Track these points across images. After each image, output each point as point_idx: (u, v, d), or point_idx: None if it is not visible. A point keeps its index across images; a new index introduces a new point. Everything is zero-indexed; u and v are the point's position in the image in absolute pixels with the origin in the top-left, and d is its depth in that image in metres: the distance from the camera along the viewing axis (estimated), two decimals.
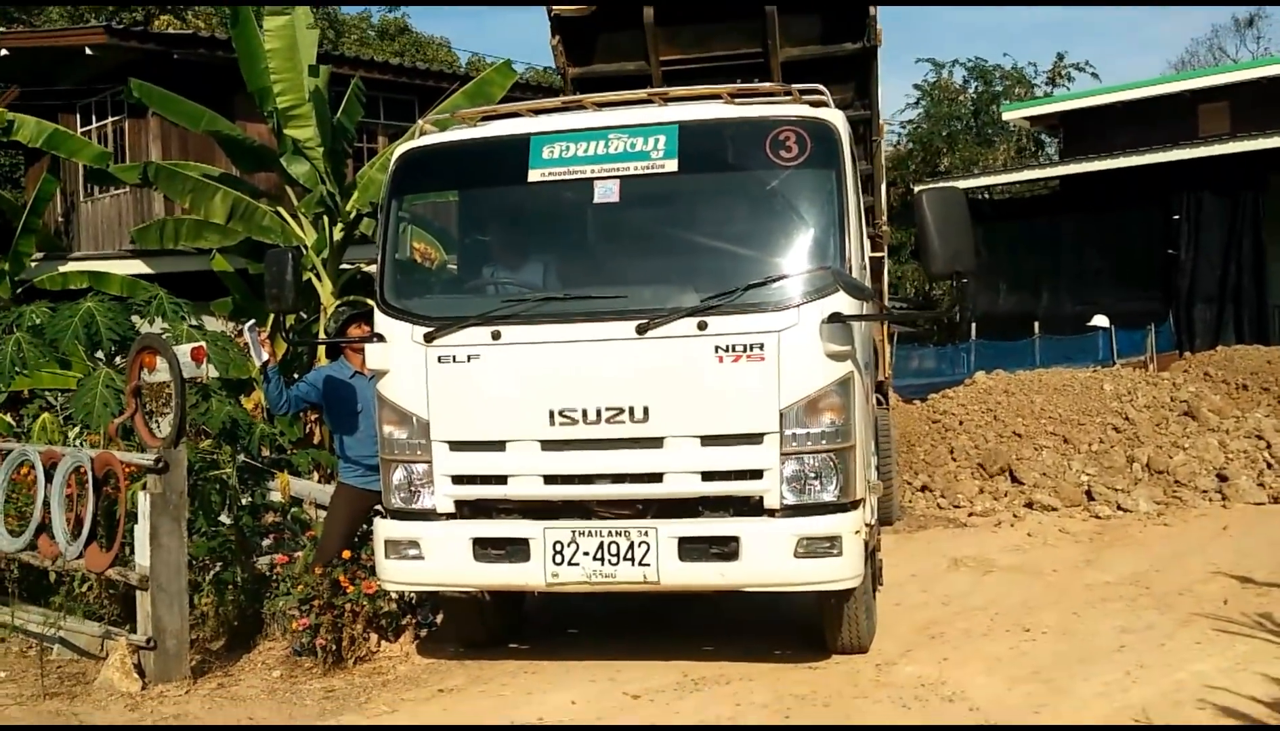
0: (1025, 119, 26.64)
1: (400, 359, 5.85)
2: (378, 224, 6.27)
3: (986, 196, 26.57)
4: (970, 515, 10.84)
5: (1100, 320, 19.00)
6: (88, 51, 16.73)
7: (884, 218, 10.58)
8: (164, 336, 8.97)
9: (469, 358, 5.73)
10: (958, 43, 79.08)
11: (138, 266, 15.27)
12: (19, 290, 13.17)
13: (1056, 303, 21.44)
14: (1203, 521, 10.24)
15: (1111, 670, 5.94)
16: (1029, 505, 10.95)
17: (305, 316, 13.21)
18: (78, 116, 18.80)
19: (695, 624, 7.13)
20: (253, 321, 7.04)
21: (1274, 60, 26.43)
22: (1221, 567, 8.26)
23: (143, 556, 6.14)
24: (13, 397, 10.29)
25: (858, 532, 5.56)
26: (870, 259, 10.24)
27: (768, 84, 6.32)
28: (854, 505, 5.59)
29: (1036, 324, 19.78)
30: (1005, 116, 27.22)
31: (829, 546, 5.48)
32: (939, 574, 8.50)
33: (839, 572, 5.52)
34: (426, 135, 6.38)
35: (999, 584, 8.14)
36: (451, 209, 6.92)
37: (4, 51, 17.81)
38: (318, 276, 12.94)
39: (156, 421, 7.43)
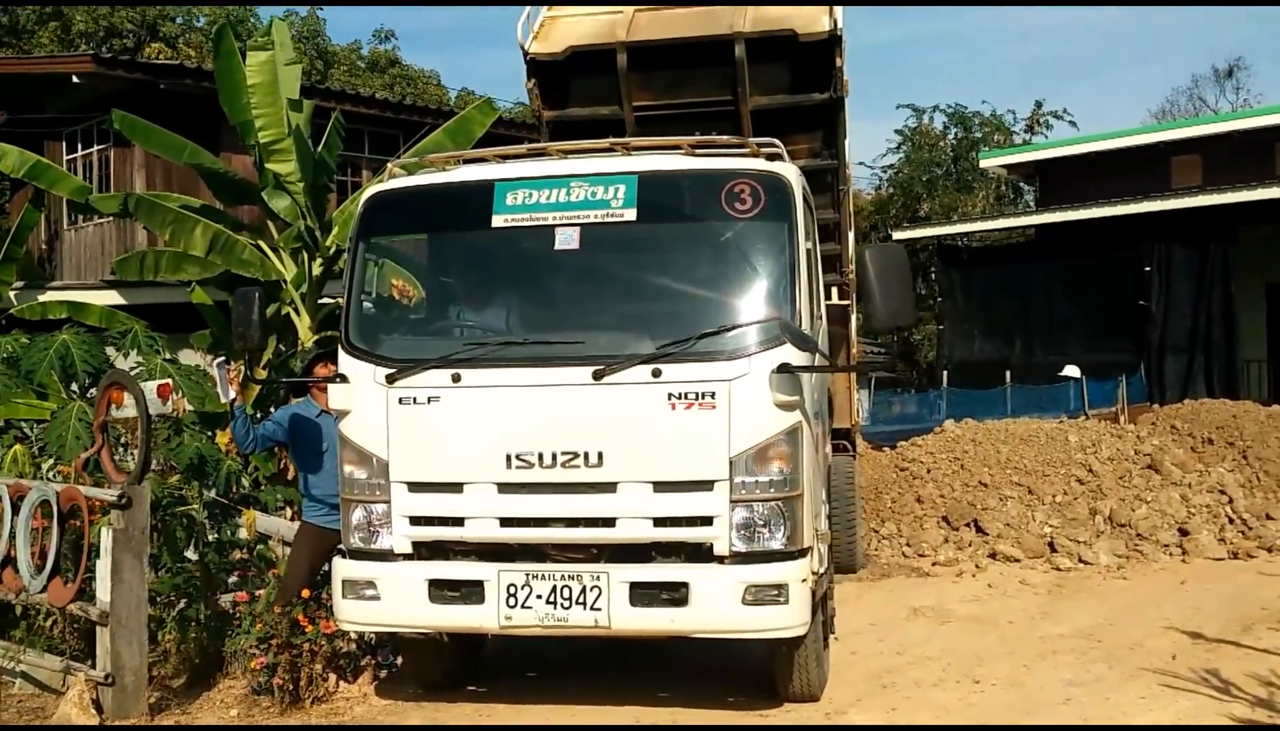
0: (1002, 167, 26.95)
1: (362, 399, 5.95)
2: (345, 264, 6.38)
3: (965, 243, 26.88)
4: (934, 564, 10.94)
5: (1071, 370, 19.19)
6: (75, 80, 16.91)
7: (851, 265, 10.72)
8: (137, 370, 9.08)
9: (429, 399, 5.84)
10: (940, 88, 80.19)
11: (117, 297, 15.34)
12: None
13: (1029, 352, 21.64)
14: (1161, 575, 10.35)
15: (1055, 723, 6.03)
16: (992, 555, 11.06)
17: (284, 350, 13.29)
18: (64, 144, 18.94)
19: (652, 669, 7.19)
20: (222, 359, 7.11)
21: (1246, 113, 26.87)
22: (1174, 623, 8.36)
23: (104, 592, 6.20)
24: None
25: (804, 581, 5.66)
26: (836, 306, 10.45)
27: (726, 137, 6.47)
28: (801, 553, 5.69)
29: (1008, 373, 19.96)
30: (983, 164, 27.52)
31: (776, 594, 5.58)
32: (897, 623, 8.59)
33: (786, 620, 5.62)
34: (395, 178, 6.52)
35: (955, 634, 8.23)
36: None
37: None
38: (296, 311, 13.02)
39: (132, 453, 7.49)
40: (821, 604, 6.38)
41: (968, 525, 11.72)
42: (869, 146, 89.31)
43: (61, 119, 18.53)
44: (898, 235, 25.06)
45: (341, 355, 6.12)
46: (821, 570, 6.13)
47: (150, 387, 6.61)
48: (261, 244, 13.47)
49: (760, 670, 6.56)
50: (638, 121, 9.52)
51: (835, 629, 7.12)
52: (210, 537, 7.95)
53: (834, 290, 10.53)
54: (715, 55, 9.21)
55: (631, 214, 5.95)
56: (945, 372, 21.09)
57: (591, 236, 5.98)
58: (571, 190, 6.04)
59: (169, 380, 7.10)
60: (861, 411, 21.07)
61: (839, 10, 9.08)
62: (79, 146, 18.69)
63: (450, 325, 6.52)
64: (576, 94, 9.72)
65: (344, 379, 6.03)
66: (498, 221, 6.06)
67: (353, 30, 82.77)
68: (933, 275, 23.91)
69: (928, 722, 6.12)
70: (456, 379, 5.82)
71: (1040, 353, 21.36)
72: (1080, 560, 10.81)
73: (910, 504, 12.29)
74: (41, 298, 14.03)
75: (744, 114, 9.37)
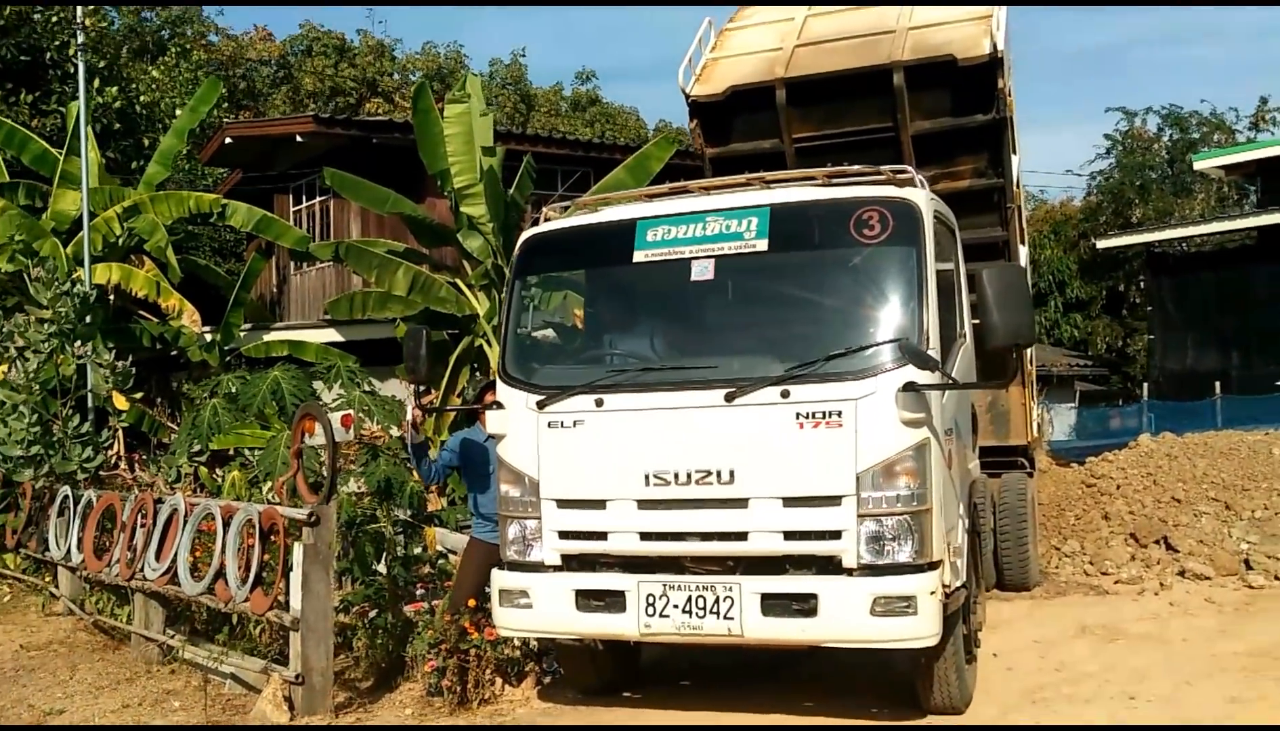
0: (1220, 167, 25.43)
1: (516, 423, 6.47)
2: (502, 301, 6.95)
3: (1182, 249, 25.61)
4: (1116, 583, 10.60)
5: None
6: (298, 138, 18.45)
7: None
8: (339, 401, 10.00)
9: (575, 423, 6.30)
10: (1154, 88, 76.47)
11: (337, 335, 16.60)
12: (228, 357, 14.65)
13: (1247, 362, 20.45)
14: None
15: None
16: (1181, 573, 10.63)
17: (482, 376, 14.20)
18: (290, 196, 20.69)
19: (801, 681, 7.40)
20: (410, 416, 7.77)
21: None
22: None
23: (295, 600, 6.93)
24: (221, 454, 11.61)
25: (934, 593, 5.79)
26: None
27: (859, 166, 6.68)
28: (931, 566, 5.83)
29: (1218, 384, 18.96)
30: (1197, 166, 25.98)
31: (905, 605, 5.74)
32: (1063, 640, 8.46)
33: (915, 631, 5.76)
34: (549, 221, 7.06)
35: (1120, 651, 8.06)
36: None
37: (229, 140, 19.88)
38: (488, 343, 13.91)
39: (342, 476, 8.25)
40: (962, 617, 6.46)
41: (1157, 542, 11.31)
42: (1077, 151, 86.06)
43: (289, 174, 20.26)
44: (1101, 244, 24.18)
45: (499, 384, 6.67)
46: (957, 584, 6.23)
47: (336, 418, 7.33)
48: (458, 282, 14.46)
49: (904, 683, 6.69)
50: (798, 152, 9.77)
51: (980, 642, 7.13)
52: (399, 553, 8.67)
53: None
54: (874, 84, 9.38)
55: (763, 245, 6.26)
56: (1145, 385, 20.22)
57: (726, 267, 6.32)
58: (707, 224, 6.40)
59: (350, 412, 7.83)
60: (1054, 426, 20.44)
61: (1000, 33, 9.12)
62: (304, 198, 20.39)
63: (594, 353, 6.98)
64: (738, 130, 10.08)
65: (500, 406, 6.57)
66: (639, 257, 6.48)
67: (555, 73, 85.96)
68: (1141, 283, 22.95)
69: None
70: (599, 403, 6.26)
71: (1259, 363, 20.16)
72: (1276, 578, 10.29)
73: (1096, 521, 11.96)
74: (266, 337, 15.45)
75: (905, 140, 9.50)
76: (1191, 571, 10.59)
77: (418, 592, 8.35)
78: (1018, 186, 10.58)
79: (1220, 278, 21.83)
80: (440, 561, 8.63)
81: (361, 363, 11.98)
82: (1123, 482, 12.57)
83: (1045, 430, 15.16)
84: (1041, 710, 6.68)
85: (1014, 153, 10.27)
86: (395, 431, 10.32)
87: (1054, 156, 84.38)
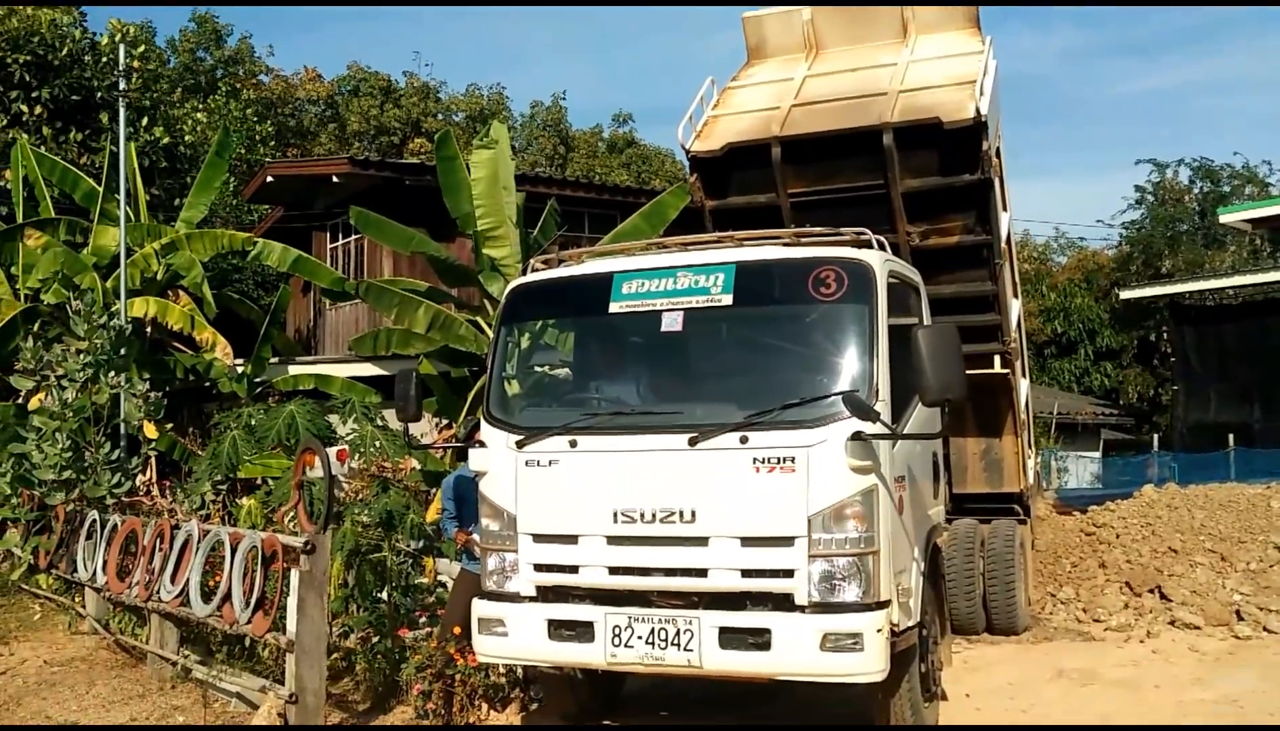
0: (1245, 221, 25.45)
1: (497, 461, 6.89)
2: (490, 346, 7.40)
3: (1213, 301, 25.62)
4: (1106, 630, 10.80)
5: None
6: (334, 179, 19.15)
7: (1014, 334, 10.90)
8: (351, 435, 10.49)
9: (550, 462, 6.71)
10: (1183, 142, 76.84)
11: (373, 368, 17.07)
12: (258, 389, 15.24)
13: (1271, 414, 20.46)
14: None
15: None
16: (1171, 622, 10.82)
17: None
18: (327, 234, 21.40)
19: (781, 713, 7.71)
20: (452, 531, 8.22)
21: None
22: None
23: (291, 623, 7.37)
24: (251, 482, 12.16)
25: (880, 631, 6.09)
26: (996, 375, 10.69)
27: (821, 228, 7.08)
28: (879, 605, 6.15)
29: (1231, 437, 19.02)
30: (1223, 219, 25.85)
31: (852, 642, 6.06)
32: (1037, 683, 8.70)
33: (862, 667, 6.07)
34: (535, 273, 7.51)
35: (1090, 696, 8.29)
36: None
37: (270, 178, 20.67)
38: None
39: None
40: (918, 656, 6.77)
41: (1151, 591, 11.48)
42: (1106, 202, 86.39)
43: (328, 212, 20.98)
44: (1125, 294, 24.30)
45: (483, 424, 7.10)
46: (908, 623, 6.53)
47: (332, 452, 7.78)
48: (479, 320, 14.97)
49: (867, 718, 6.99)
50: (793, 207, 10.17)
51: (939, 680, 7.36)
52: (403, 582, 9.10)
53: (996, 359, 10.76)
54: (866, 144, 9.76)
55: (729, 299, 6.67)
56: (1155, 436, 20.29)
57: (694, 319, 6.73)
58: (678, 279, 6.82)
59: (344, 447, 8.30)
60: (1072, 475, 20.57)
61: (984, 99, 9.49)
62: (340, 236, 21.07)
63: (571, 396, 7.39)
64: (736, 185, 10.50)
65: (483, 444, 7.01)
66: (614, 308, 6.91)
67: (594, 115, 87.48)
68: (1164, 334, 23.07)
69: None
70: (574, 444, 6.67)
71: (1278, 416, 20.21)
72: (1265, 629, 10.44)
73: (1092, 569, 12.15)
74: (293, 370, 16.04)
75: (895, 197, 9.87)
76: (1181, 620, 10.76)
77: (420, 620, 8.77)
78: (1006, 243, 10.90)
79: (1243, 330, 21.89)
80: (439, 590, 9.04)
81: (390, 397, 12.44)
82: (1122, 532, 12.75)
83: (1054, 478, 15.34)
84: None
85: (1004, 210, 10.62)
86: (415, 463, 10.80)
87: (1102, 202, 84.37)
